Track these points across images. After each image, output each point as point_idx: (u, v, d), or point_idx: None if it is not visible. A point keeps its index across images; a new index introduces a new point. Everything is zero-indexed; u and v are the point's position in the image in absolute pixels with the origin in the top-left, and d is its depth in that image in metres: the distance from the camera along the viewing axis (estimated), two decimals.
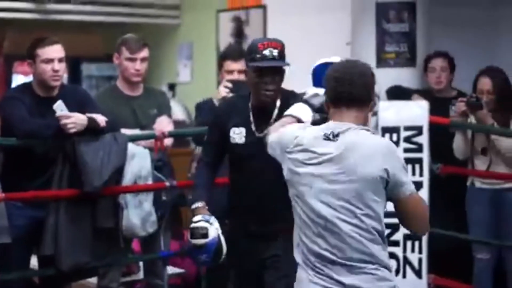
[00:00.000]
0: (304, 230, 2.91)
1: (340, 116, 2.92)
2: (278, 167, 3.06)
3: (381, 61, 5.57)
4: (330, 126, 2.93)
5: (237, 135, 3.59)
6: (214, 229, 3.47)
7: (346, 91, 2.89)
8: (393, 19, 5.71)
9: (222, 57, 4.79)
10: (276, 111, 3.55)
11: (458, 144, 5.05)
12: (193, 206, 3.55)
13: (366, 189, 2.83)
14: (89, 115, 4.02)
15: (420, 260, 4.84)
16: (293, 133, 3.02)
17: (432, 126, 4.81)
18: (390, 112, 4.87)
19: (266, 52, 3.47)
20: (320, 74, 3.34)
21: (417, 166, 4.79)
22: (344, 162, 2.85)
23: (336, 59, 3.31)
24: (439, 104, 5.18)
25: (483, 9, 6.30)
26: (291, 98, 3.53)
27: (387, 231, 4.76)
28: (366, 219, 2.84)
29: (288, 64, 3.54)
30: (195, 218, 3.49)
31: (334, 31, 5.78)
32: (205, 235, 3.45)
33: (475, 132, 5.00)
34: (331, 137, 2.89)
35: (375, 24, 5.71)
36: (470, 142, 5.02)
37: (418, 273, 4.84)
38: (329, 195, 2.85)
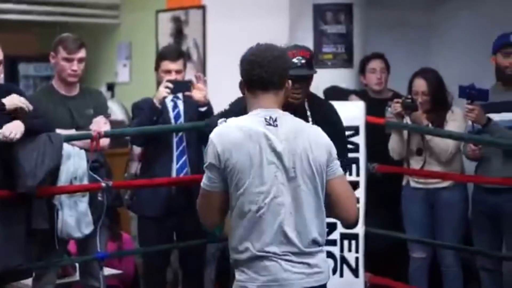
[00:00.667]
0: None
1: (257, 100, 2.96)
2: None
3: (319, 62, 5.60)
4: (261, 113, 2.94)
5: None
6: None
7: (257, 75, 2.91)
8: (330, 21, 5.76)
9: (160, 57, 4.79)
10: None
11: (394, 144, 5.11)
12: None
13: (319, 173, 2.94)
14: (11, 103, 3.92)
15: (357, 259, 4.88)
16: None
17: (369, 126, 4.86)
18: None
19: (295, 60, 3.64)
20: None
21: (353, 166, 4.83)
22: (293, 147, 2.91)
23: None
24: (375, 104, 5.24)
25: (419, 11, 6.39)
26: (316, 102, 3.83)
27: None
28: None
29: (315, 72, 3.78)
30: None
31: (272, 32, 5.74)
32: None
33: (410, 132, 5.07)
34: (272, 122, 2.92)
35: (312, 25, 5.77)
36: (406, 142, 5.09)
37: (355, 272, 4.87)
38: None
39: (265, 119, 2.92)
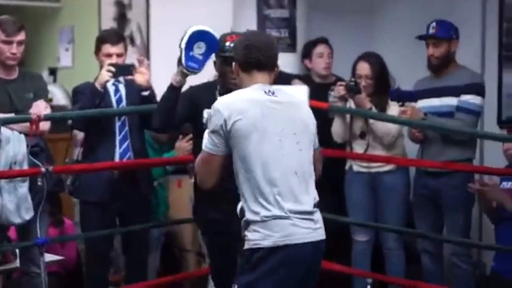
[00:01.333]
0: None
1: (252, 78, 3.27)
2: None
3: None
4: (260, 86, 3.26)
5: None
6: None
7: (255, 57, 3.24)
8: (273, 5, 5.77)
9: (100, 41, 4.72)
10: None
11: (337, 128, 5.14)
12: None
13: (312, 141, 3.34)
14: None
15: None
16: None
17: (312, 110, 4.86)
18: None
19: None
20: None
21: None
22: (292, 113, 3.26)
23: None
24: (319, 89, 5.26)
25: None
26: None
27: None
28: None
29: None
30: None
31: (216, 17, 5.76)
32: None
33: (353, 116, 5.10)
34: (270, 93, 3.24)
35: (256, 9, 5.76)
36: (349, 126, 5.12)
37: None
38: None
39: (264, 91, 3.24)
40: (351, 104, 5.05)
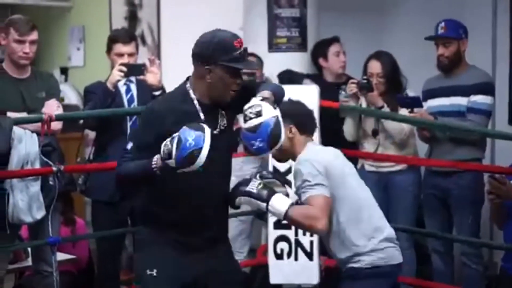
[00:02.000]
0: None
1: (306, 140, 3.61)
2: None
3: (273, 46, 5.62)
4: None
5: None
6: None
7: (314, 126, 3.70)
8: (284, 4, 5.77)
9: (112, 40, 4.73)
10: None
11: (349, 127, 5.14)
12: None
13: None
14: None
15: (311, 243, 4.91)
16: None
17: (323, 110, 4.88)
18: None
19: (242, 51, 3.20)
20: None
21: None
22: None
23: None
24: (330, 88, 5.26)
25: None
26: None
27: None
28: None
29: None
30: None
31: (226, 16, 5.79)
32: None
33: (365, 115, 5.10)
34: None
35: (266, 9, 5.77)
36: (360, 124, 5.11)
37: (309, 256, 4.91)
38: None
39: None
40: (362, 102, 5.06)
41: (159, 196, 3.30)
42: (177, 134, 3.02)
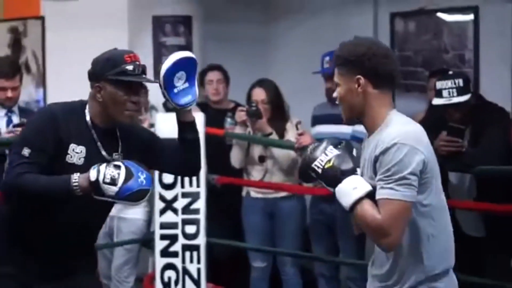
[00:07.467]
0: None
1: (388, 101, 2.66)
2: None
3: (158, 74, 5.58)
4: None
5: (76, 154, 3.01)
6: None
7: (395, 70, 2.64)
8: (169, 33, 5.79)
9: None
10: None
11: (235, 154, 5.16)
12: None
13: None
14: None
15: (198, 270, 4.92)
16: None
17: (209, 137, 4.90)
18: (167, 124, 4.90)
19: (135, 65, 3.02)
20: (170, 78, 3.10)
21: (194, 177, 4.87)
22: None
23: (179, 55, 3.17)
24: (217, 115, 5.30)
25: (255, 26, 6.53)
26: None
27: (165, 243, 4.93)
28: None
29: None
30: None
31: (112, 43, 5.72)
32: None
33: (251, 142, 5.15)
34: None
35: (151, 37, 5.78)
36: (247, 151, 5.16)
37: (197, 283, 4.91)
38: None
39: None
40: (250, 129, 5.10)
41: (35, 212, 3.05)
42: (123, 164, 2.91)
